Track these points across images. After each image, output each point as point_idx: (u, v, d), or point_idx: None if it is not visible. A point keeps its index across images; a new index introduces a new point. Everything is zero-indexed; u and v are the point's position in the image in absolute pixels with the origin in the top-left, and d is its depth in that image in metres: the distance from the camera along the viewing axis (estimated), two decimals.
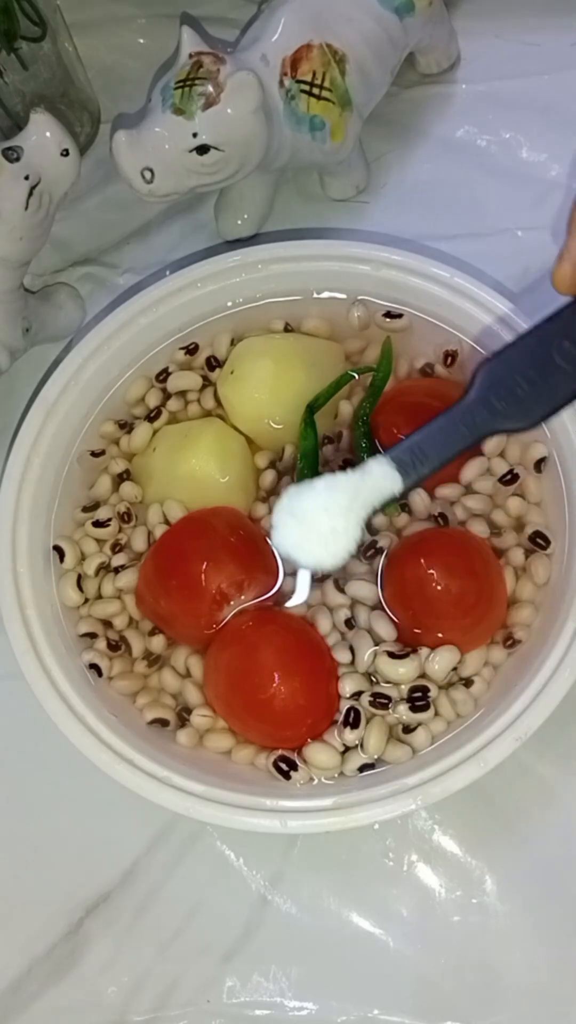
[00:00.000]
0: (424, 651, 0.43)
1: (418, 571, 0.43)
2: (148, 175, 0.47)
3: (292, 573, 0.46)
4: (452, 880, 0.44)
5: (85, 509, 0.48)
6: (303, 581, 0.46)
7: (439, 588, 0.43)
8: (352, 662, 0.44)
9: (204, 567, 0.44)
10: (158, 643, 0.46)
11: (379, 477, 0.35)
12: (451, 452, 0.34)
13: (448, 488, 0.47)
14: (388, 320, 0.50)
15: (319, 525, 0.35)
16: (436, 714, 0.43)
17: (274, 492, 0.48)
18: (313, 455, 0.46)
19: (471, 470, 0.47)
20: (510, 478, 0.46)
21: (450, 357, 0.49)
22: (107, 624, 0.47)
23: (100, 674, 0.45)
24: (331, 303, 0.51)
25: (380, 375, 0.49)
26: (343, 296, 0.51)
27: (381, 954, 0.44)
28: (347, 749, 0.43)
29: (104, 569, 0.47)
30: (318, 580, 0.46)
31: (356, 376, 0.49)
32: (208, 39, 0.48)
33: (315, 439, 0.47)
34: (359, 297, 0.50)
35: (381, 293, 0.50)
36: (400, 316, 0.50)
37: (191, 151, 0.47)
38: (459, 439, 0.33)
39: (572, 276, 0.30)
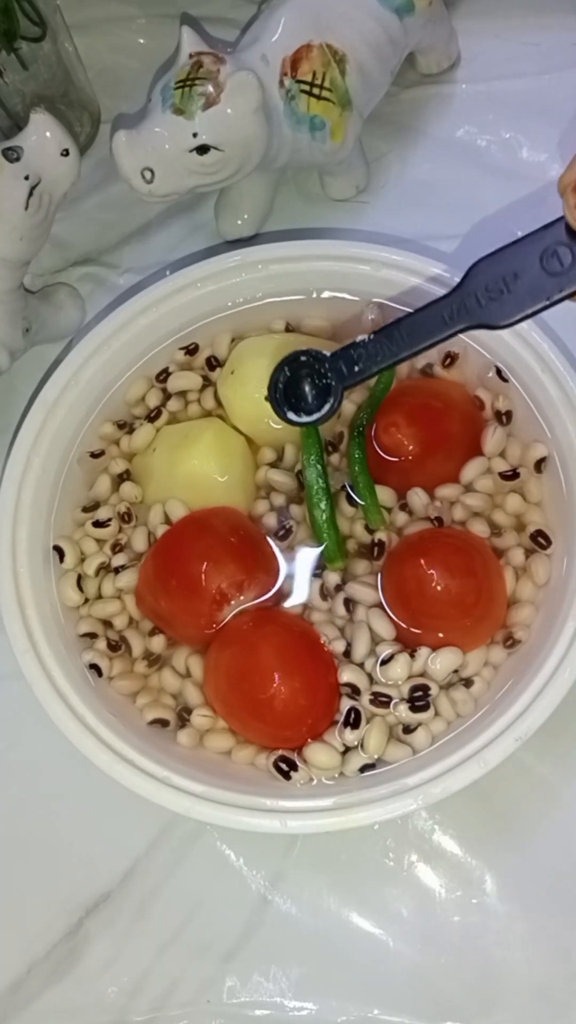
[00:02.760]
0: (424, 651, 0.43)
1: (418, 571, 0.43)
2: (148, 175, 0.47)
3: (291, 573, 0.46)
4: (452, 880, 0.44)
5: (85, 509, 0.48)
6: (303, 580, 0.46)
7: (439, 588, 0.43)
8: (351, 661, 0.44)
9: (204, 567, 0.44)
10: (158, 643, 0.46)
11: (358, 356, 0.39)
12: (431, 339, 0.37)
13: (448, 488, 0.47)
14: None
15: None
16: (436, 714, 0.43)
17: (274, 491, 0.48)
18: (317, 450, 0.46)
19: (471, 470, 0.47)
20: (512, 474, 0.46)
21: (449, 358, 0.49)
22: (107, 624, 0.47)
23: (100, 674, 0.45)
24: (331, 303, 0.51)
25: (380, 387, 0.48)
26: (344, 296, 0.51)
27: (381, 954, 0.44)
28: (347, 749, 0.43)
29: (104, 569, 0.47)
30: (317, 577, 0.46)
31: None
32: (208, 39, 0.48)
33: (317, 434, 0.47)
34: (373, 300, 0.50)
35: (381, 293, 0.50)
36: None
37: (191, 151, 0.46)
38: (440, 327, 0.37)
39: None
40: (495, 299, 0.35)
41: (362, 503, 0.47)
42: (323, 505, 0.46)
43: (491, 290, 0.35)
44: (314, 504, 0.46)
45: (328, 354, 0.39)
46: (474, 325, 0.36)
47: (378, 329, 0.38)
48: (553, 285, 0.34)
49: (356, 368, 0.39)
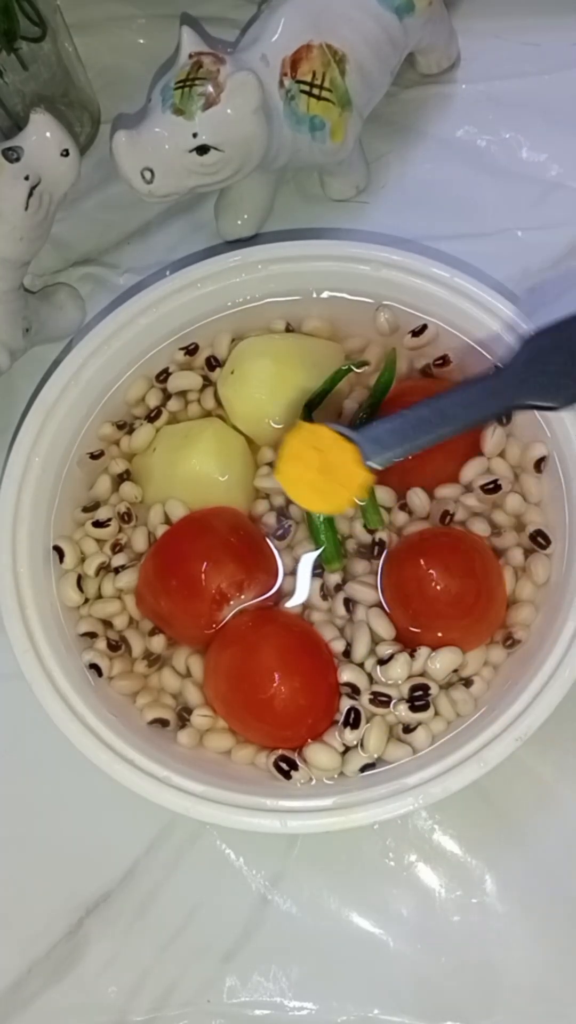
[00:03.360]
0: (424, 651, 0.43)
1: (417, 571, 0.43)
2: (148, 175, 0.47)
3: (292, 572, 0.46)
4: (452, 880, 0.44)
5: (85, 509, 0.48)
6: (303, 580, 0.46)
7: (438, 588, 0.43)
8: (351, 661, 0.44)
9: (204, 567, 0.44)
10: (158, 643, 0.46)
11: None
12: (477, 417, 0.34)
13: (448, 488, 0.47)
14: (413, 338, 0.50)
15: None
16: (436, 714, 0.43)
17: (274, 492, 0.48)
18: None
19: (471, 470, 0.47)
20: (492, 487, 0.46)
21: (441, 359, 0.49)
22: (107, 624, 0.47)
23: (100, 674, 0.45)
24: (331, 303, 0.51)
25: (380, 386, 0.48)
26: (344, 296, 0.51)
27: (381, 954, 0.44)
28: (347, 749, 0.43)
29: (104, 569, 0.47)
30: (317, 576, 0.46)
31: (353, 369, 0.49)
32: (208, 39, 0.48)
33: None
34: (384, 302, 0.50)
35: (381, 293, 0.50)
36: (424, 330, 0.49)
37: (191, 151, 0.47)
38: (488, 406, 0.33)
39: None
40: (550, 377, 0.32)
41: (361, 503, 0.47)
42: None
43: (549, 366, 0.31)
44: None
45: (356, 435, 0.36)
46: (529, 405, 0.33)
47: (420, 403, 0.34)
48: None
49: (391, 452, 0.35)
